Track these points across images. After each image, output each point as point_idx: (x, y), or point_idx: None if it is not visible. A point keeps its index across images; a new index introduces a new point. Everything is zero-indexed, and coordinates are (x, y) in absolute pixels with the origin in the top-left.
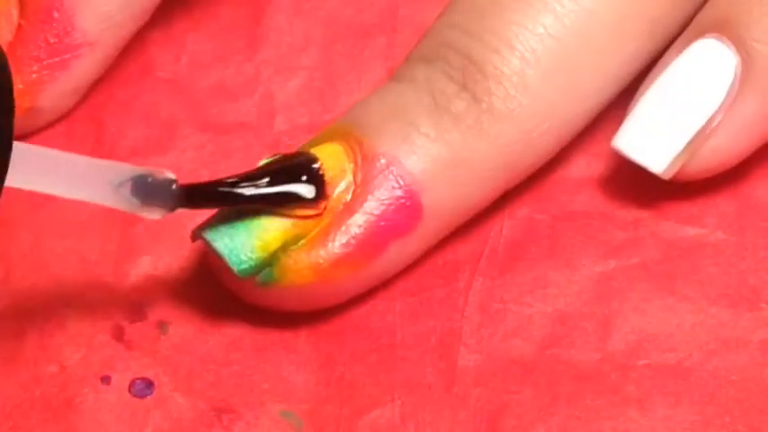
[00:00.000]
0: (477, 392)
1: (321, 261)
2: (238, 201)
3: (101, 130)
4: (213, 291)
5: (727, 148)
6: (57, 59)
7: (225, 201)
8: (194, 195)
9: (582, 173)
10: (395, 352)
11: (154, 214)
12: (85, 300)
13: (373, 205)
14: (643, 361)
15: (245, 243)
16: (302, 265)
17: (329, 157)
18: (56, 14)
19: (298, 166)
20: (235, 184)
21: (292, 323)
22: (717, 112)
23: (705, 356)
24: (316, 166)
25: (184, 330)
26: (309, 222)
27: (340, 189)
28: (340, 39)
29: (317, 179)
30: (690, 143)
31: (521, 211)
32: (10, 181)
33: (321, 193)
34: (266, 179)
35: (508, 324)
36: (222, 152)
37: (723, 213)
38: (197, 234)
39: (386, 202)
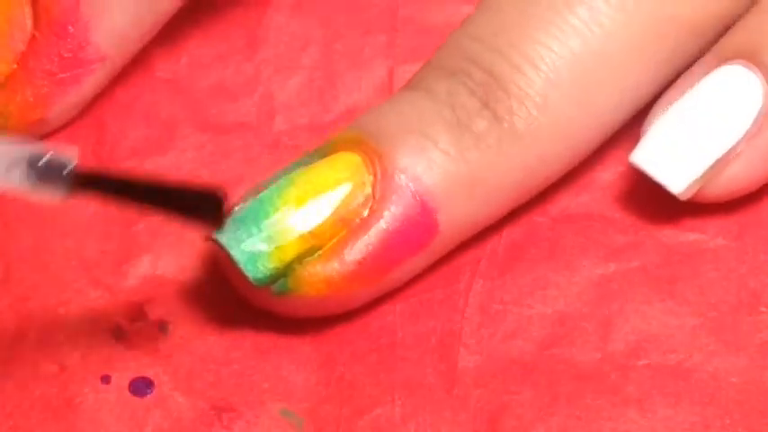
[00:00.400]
0: (477, 393)
1: (335, 274)
2: (131, 193)
3: (102, 131)
4: (213, 290)
5: (746, 176)
6: (69, 74)
7: (117, 189)
8: (88, 179)
9: (582, 176)
10: (395, 352)
11: (47, 196)
12: (85, 300)
13: (389, 221)
14: (643, 361)
15: (262, 252)
16: (317, 278)
17: (348, 168)
18: (71, 29)
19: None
20: (133, 178)
21: (292, 323)
22: (741, 141)
23: (705, 357)
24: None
25: (184, 330)
26: (326, 234)
27: (358, 202)
28: (340, 38)
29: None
30: (710, 169)
31: (521, 212)
32: None
33: (220, 219)
34: (170, 187)
35: (508, 325)
36: (222, 152)
37: (723, 219)
38: (213, 239)
39: (402, 218)
